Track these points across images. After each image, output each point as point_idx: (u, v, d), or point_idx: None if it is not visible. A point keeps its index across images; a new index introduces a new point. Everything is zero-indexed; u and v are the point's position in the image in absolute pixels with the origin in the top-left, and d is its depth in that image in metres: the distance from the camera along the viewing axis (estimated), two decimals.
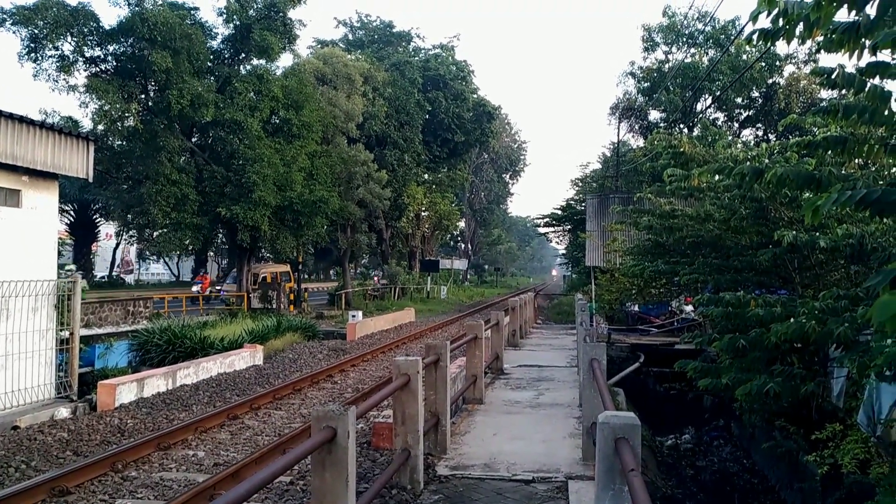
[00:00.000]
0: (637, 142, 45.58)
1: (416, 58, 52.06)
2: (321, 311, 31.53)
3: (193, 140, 30.18)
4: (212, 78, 28.78)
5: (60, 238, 25.81)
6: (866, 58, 4.16)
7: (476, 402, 9.99)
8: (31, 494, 6.93)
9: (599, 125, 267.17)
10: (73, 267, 33.70)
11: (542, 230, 65.24)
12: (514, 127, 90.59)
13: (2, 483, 7.70)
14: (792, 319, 7.25)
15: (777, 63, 38.79)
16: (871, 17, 3.58)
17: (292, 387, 13.56)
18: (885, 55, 4.13)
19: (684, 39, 41.42)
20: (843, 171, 7.89)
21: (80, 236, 48.68)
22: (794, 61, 39.42)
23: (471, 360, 10.15)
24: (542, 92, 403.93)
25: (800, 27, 3.87)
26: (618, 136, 45.28)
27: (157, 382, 13.20)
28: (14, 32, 24.45)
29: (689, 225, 13.25)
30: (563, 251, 68.73)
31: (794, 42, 4.30)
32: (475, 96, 54.14)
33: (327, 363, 17.12)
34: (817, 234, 8.78)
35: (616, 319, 25.60)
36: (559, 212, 52.31)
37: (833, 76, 4.52)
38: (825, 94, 33.43)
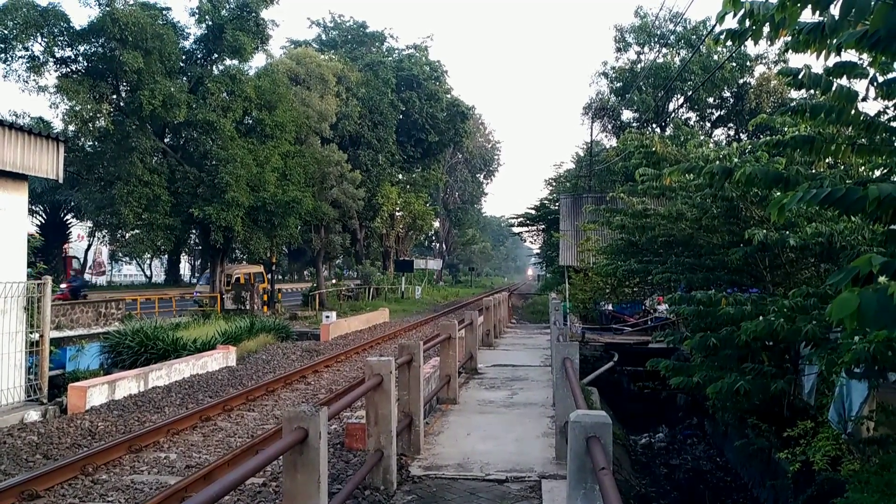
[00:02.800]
0: (610, 141, 46.08)
1: (390, 58, 51.99)
2: (295, 312, 31.31)
3: (166, 140, 29.78)
4: (184, 78, 28.45)
5: (31, 239, 25.32)
6: (833, 58, 4.23)
7: (450, 402, 9.98)
8: None
9: (573, 125, 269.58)
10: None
11: (516, 230, 65.54)
12: (487, 127, 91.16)
13: None
14: (762, 317, 7.34)
15: (748, 63, 39.43)
16: (836, 17, 3.64)
17: (265, 388, 13.44)
18: (850, 55, 4.20)
19: (656, 40, 41.95)
20: (811, 171, 8.02)
21: (51, 238, 47.76)
22: (764, 61, 40.14)
23: (445, 360, 10.14)
24: (515, 92, 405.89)
25: (766, 27, 3.92)
26: (591, 135, 45.71)
27: (128, 384, 13.01)
28: None
29: (661, 224, 13.38)
30: (538, 251, 69.05)
31: (764, 42, 4.37)
32: (449, 96, 54.22)
33: (301, 364, 17.00)
34: (787, 232, 8.91)
35: (590, 318, 25.79)
36: (533, 211, 52.60)
37: (800, 76, 4.59)
38: (796, 93, 34.08)
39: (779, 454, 9.07)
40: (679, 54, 41.38)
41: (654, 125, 40.62)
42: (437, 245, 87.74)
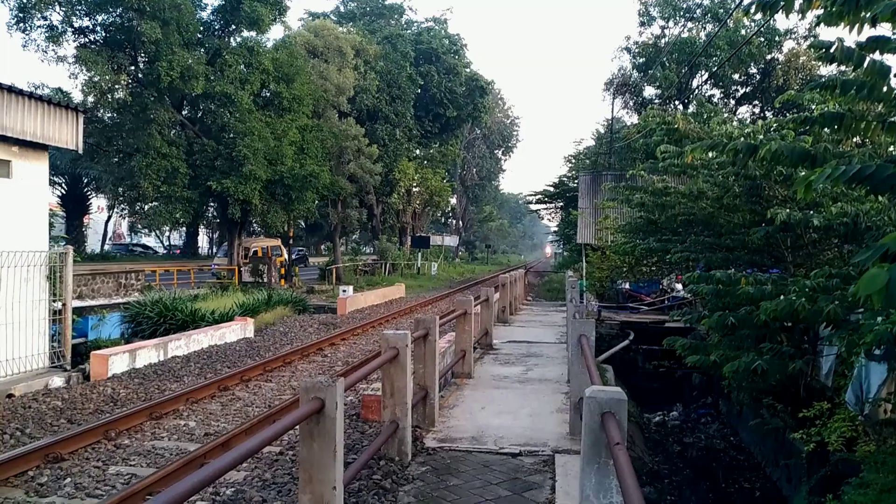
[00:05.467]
0: (631, 118, 45.52)
1: (409, 31, 51.53)
2: (312, 286, 31.51)
3: (184, 113, 29.86)
4: (202, 50, 28.40)
5: (52, 210, 25.63)
6: (867, 32, 4.11)
7: (465, 376, 10.03)
8: (26, 461, 6.96)
9: (594, 101, 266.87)
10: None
11: (533, 207, 65.21)
12: (506, 102, 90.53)
13: None
14: (782, 297, 7.26)
15: (776, 38, 38.57)
16: None
17: (283, 359, 13.58)
18: (884, 28, 4.08)
19: (681, 13, 41.13)
20: (839, 149, 7.84)
21: (72, 209, 48.28)
22: (793, 37, 39.27)
23: (460, 335, 10.17)
24: (535, 67, 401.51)
25: None
26: (612, 112, 45.20)
27: (148, 354, 13.21)
28: (3, 2, 24.11)
29: (681, 203, 13.22)
30: (555, 229, 68.74)
31: (795, 16, 4.24)
32: (468, 70, 53.65)
33: (317, 337, 17.14)
34: (811, 212, 8.77)
35: (606, 297, 25.69)
36: (551, 189, 52.25)
37: (832, 50, 4.47)
38: (824, 70, 33.36)
39: (793, 434, 9.04)
40: (705, 29, 40.56)
41: (676, 102, 40.03)
42: (454, 222, 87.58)
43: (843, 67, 4.81)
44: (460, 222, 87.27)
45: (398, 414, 6.00)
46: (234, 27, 29.28)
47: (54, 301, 12.34)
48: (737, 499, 10.80)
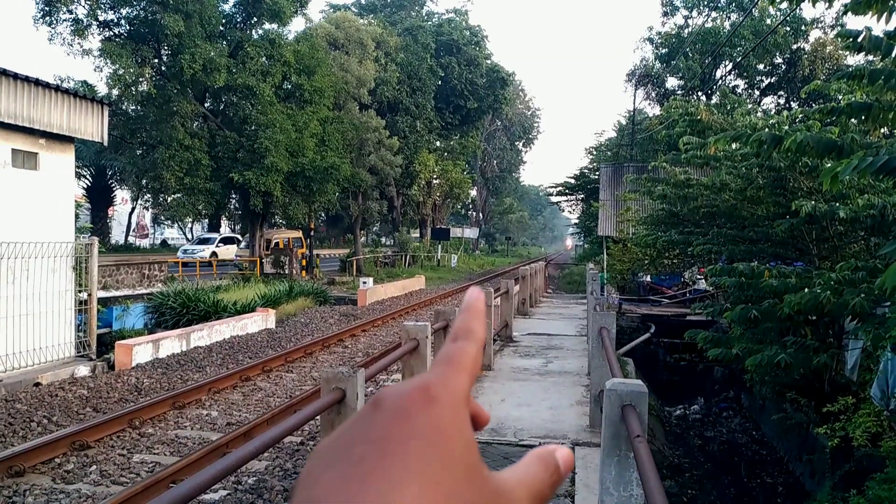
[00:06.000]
0: (653, 110, 45.02)
1: (429, 22, 51.35)
2: (332, 278, 31.67)
3: (206, 105, 30.08)
4: (224, 42, 28.57)
5: (77, 201, 25.97)
6: (895, 21, 4.02)
7: (484, 368, 10.04)
8: (53, 448, 7.12)
9: (615, 93, 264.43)
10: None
11: (554, 199, 64.82)
12: (527, 94, 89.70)
13: (25, 436, 7.91)
14: (807, 290, 7.17)
15: (802, 28, 37.85)
16: None
17: (304, 350, 13.69)
18: None
19: (705, 3, 40.55)
20: (866, 140, 7.70)
21: (97, 200, 48.96)
22: (820, 26, 38.49)
23: None
24: (557, 58, 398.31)
25: None
26: (633, 103, 44.72)
27: (171, 344, 13.38)
28: None
29: (703, 195, 13.09)
30: (576, 221, 68.33)
31: (822, 4, 4.17)
32: (489, 62, 53.37)
33: (338, 328, 17.25)
34: (837, 204, 8.63)
35: (627, 290, 25.53)
36: (572, 181, 51.88)
37: (860, 39, 4.38)
38: (851, 60, 32.69)
39: (817, 429, 8.93)
40: (729, 18, 39.97)
41: (699, 93, 39.53)
42: (474, 214, 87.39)
43: (870, 57, 4.72)
44: (480, 214, 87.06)
45: None
46: (255, 19, 29.41)
47: (80, 291, 12.55)
48: (759, 493, 10.71)
